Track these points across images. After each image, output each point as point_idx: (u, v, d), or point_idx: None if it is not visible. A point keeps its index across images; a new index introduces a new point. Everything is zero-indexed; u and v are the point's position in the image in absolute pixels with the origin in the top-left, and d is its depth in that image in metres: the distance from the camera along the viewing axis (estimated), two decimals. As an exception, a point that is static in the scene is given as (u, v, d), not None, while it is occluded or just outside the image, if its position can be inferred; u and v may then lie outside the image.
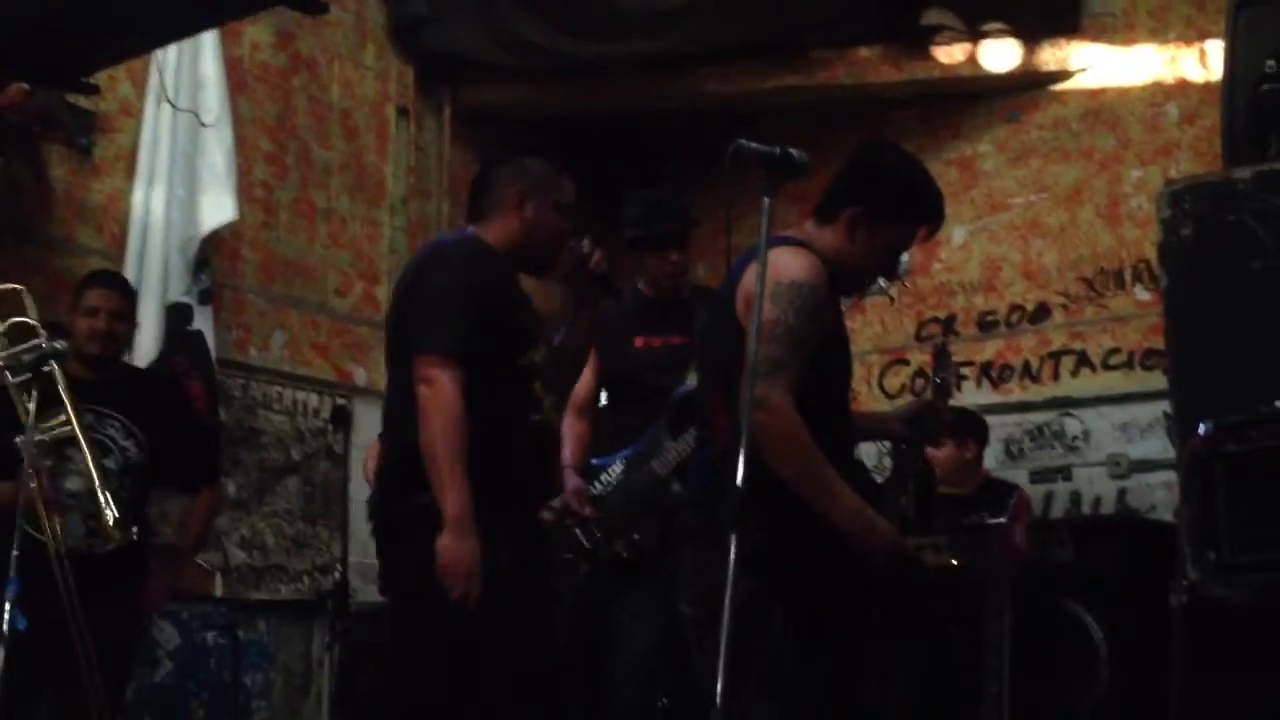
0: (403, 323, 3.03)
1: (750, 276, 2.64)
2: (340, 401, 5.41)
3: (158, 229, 4.84)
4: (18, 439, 3.54)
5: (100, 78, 4.66)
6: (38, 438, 3.55)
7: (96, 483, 3.56)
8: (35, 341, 3.60)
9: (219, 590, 4.89)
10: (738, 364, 2.61)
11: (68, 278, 4.70)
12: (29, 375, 3.56)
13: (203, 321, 4.93)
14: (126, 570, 3.72)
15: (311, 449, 5.38)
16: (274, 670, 5.16)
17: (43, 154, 4.70)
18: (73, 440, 3.63)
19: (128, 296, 4.04)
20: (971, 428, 4.77)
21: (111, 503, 3.54)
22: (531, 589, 2.97)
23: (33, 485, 3.48)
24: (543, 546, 3.21)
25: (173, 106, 4.92)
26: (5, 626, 3.38)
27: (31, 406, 3.54)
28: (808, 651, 2.67)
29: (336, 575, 4.74)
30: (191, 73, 4.99)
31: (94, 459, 3.62)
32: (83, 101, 4.75)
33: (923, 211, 2.92)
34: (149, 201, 4.86)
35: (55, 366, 3.62)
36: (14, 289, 3.79)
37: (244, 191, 5.17)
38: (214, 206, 4.98)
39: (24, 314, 3.73)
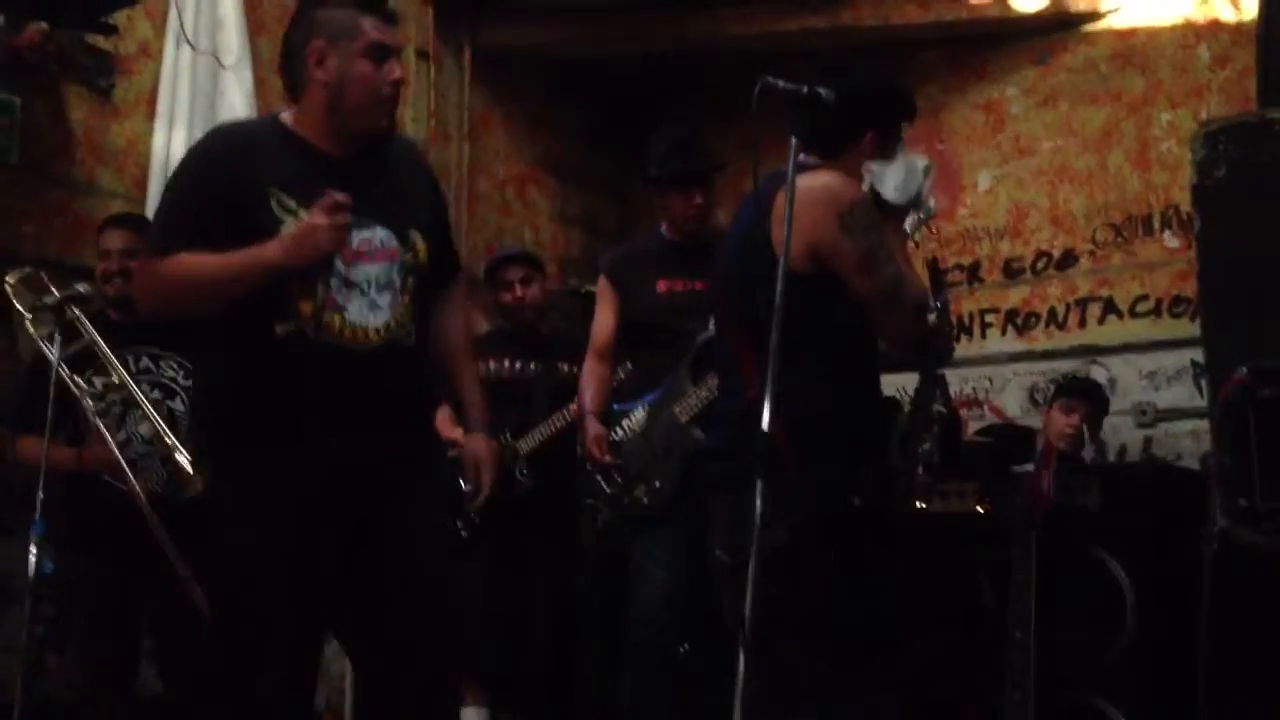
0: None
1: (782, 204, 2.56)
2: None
3: (178, 172, 4.82)
4: (78, 393, 3.54)
5: (119, 18, 4.62)
6: (97, 393, 3.57)
7: (161, 430, 3.45)
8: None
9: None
10: (768, 305, 2.41)
11: (90, 220, 4.67)
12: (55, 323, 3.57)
13: (223, 266, 4.90)
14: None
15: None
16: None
17: (62, 95, 4.66)
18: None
19: (140, 232, 3.81)
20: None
21: (182, 448, 3.36)
22: None
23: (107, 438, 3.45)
24: None
25: (192, 48, 4.86)
26: (31, 570, 3.42)
27: (55, 350, 3.54)
28: (854, 591, 2.63)
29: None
30: (210, 13, 4.93)
31: (157, 404, 3.58)
32: (101, 42, 4.70)
33: (909, 107, 2.87)
34: (170, 144, 4.80)
35: (78, 311, 3.62)
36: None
37: (264, 134, 5.14)
38: (234, 150, 4.95)
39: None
